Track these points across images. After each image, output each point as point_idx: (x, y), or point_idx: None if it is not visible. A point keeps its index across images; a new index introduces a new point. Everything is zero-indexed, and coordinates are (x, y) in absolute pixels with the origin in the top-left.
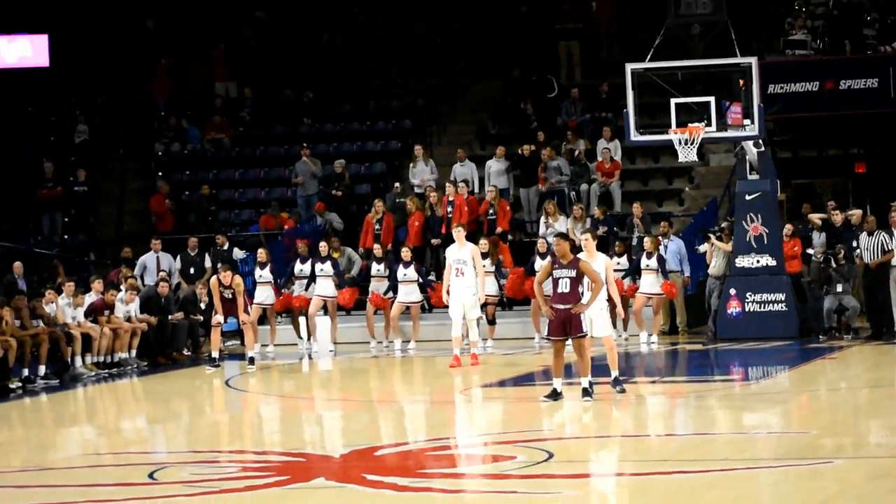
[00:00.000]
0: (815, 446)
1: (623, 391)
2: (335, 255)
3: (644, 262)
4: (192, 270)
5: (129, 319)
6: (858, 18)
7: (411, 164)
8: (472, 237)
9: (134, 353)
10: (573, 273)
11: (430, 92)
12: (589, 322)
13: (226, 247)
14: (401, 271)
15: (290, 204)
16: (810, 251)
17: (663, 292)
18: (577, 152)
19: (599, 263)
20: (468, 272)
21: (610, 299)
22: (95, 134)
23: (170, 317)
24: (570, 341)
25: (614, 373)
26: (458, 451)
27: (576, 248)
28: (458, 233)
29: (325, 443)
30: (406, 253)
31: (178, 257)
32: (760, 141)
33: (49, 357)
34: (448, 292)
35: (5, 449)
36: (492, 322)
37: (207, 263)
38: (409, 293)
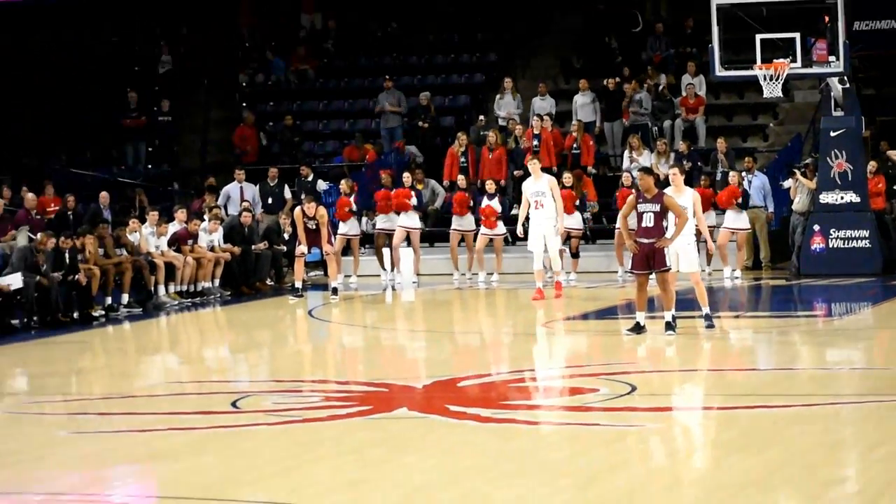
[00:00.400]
0: None
1: (712, 326)
2: (419, 186)
3: None
4: (269, 200)
5: (212, 249)
6: None
7: (498, 96)
8: (556, 171)
9: (217, 282)
10: (657, 207)
11: (515, 25)
12: (675, 257)
13: (310, 178)
14: (484, 203)
15: (374, 136)
16: None
17: (722, 199)
18: (661, 87)
19: (688, 197)
20: (547, 204)
21: (699, 233)
22: (179, 64)
23: (253, 247)
24: (653, 275)
25: (705, 309)
26: (540, 384)
27: (660, 183)
28: (534, 165)
29: (408, 373)
30: (490, 185)
31: (258, 187)
32: (845, 77)
33: (132, 286)
34: (524, 225)
35: (88, 377)
36: (575, 255)
37: (287, 194)
38: (494, 227)
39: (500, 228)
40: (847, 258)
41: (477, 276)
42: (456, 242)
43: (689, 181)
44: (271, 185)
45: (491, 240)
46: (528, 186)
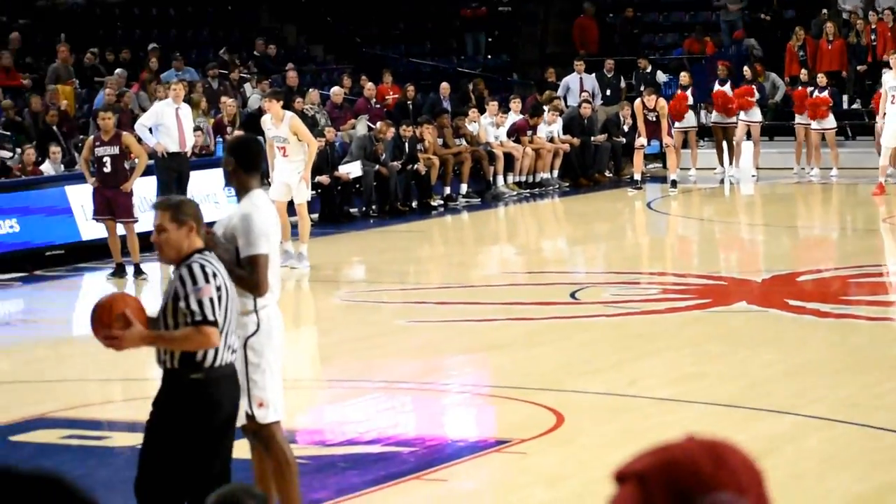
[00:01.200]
0: None
1: None
2: (759, 79)
3: None
4: (607, 92)
5: (551, 140)
6: None
7: None
8: None
9: (556, 173)
10: None
11: None
12: None
13: (648, 70)
14: (814, 95)
15: (714, 28)
16: None
17: None
18: None
19: None
20: None
21: None
22: None
23: (592, 138)
24: None
25: None
26: (880, 279)
27: None
28: (894, 59)
29: (746, 267)
30: (822, 79)
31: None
32: None
33: (471, 175)
34: (881, 121)
35: (426, 266)
36: None
37: (622, 84)
38: (824, 119)
39: (831, 121)
40: None
41: (813, 170)
42: (802, 136)
43: None
44: (608, 76)
45: (823, 135)
46: (887, 80)
